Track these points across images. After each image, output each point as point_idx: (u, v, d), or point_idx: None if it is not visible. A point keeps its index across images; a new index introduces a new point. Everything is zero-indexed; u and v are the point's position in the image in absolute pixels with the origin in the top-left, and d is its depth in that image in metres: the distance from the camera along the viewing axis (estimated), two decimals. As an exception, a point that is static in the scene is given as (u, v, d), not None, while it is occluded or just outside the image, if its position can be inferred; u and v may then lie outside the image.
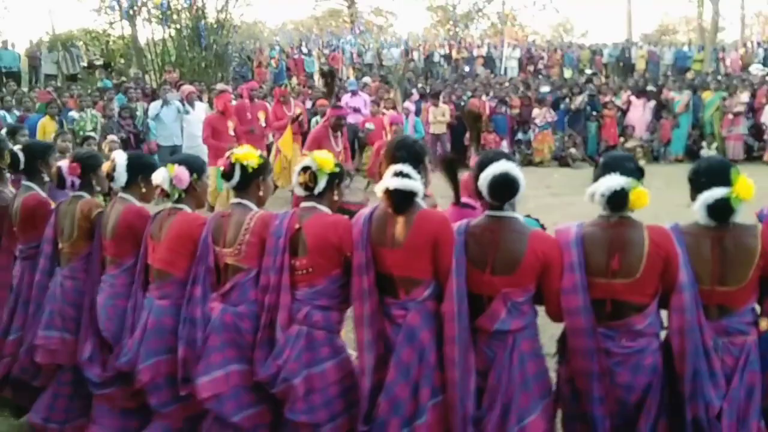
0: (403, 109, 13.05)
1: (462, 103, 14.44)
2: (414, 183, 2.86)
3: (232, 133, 9.08)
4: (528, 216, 4.97)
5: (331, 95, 9.11)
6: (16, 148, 4.12)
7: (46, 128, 10.81)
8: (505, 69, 23.48)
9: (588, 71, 21.20)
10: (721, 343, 2.79)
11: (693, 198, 2.87)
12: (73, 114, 11.50)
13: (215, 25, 19.56)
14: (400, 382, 2.84)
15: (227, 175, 3.24)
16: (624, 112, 14.82)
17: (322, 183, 3.09)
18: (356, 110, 12.70)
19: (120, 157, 3.57)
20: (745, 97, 13.97)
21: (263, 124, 10.14)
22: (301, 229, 3.06)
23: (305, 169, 3.10)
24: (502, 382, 2.80)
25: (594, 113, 14.50)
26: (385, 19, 43.87)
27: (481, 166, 2.85)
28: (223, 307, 3.14)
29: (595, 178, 2.84)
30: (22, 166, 4.07)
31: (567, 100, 14.90)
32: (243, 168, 3.20)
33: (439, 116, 13.67)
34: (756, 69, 19.41)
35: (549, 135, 14.06)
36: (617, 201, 2.73)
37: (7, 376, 3.92)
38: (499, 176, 2.78)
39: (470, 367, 2.81)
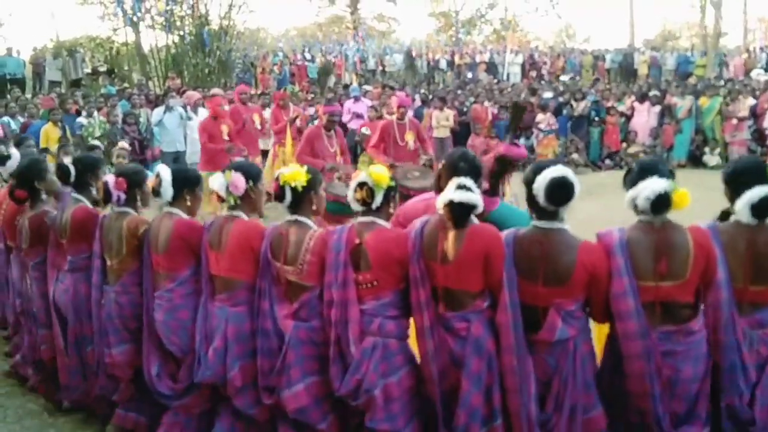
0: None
1: (465, 109, 14.46)
2: (477, 197, 2.89)
3: (226, 137, 9.17)
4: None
5: (324, 92, 9.05)
6: (67, 160, 4.13)
7: (50, 135, 10.83)
8: (508, 75, 23.52)
9: (577, 78, 21.26)
10: (755, 335, 2.92)
11: (731, 199, 2.95)
12: (81, 120, 11.54)
13: (219, 32, 19.66)
14: (474, 392, 2.91)
15: (279, 198, 3.27)
16: (627, 118, 14.81)
17: (379, 198, 3.10)
18: (359, 116, 12.73)
19: (165, 173, 3.59)
20: (749, 102, 13.95)
21: (258, 127, 10.23)
22: (361, 244, 3.09)
23: (362, 185, 3.11)
24: (568, 387, 2.87)
25: (597, 119, 14.50)
26: (388, 25, 43.98)
27: (536, 171, 2.88)
28: (296, 324, 3.20)
29: (632, 184, 2.88)
30: (72, 178, 4.12)
31: (570, 105, 14.90)
32: (293, 189, 3.23)
33: (443, 121, 13.67)
34: (757, 74, 19.39)
35: (554, 139, 14.05)
36: (661, 204, 2.77)
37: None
38: (558, 179, 2.80)
39: (529, 372, 2.88)
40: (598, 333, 3.11)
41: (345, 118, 12.17)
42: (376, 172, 3.10)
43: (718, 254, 2.86)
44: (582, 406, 2.88)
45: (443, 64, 24.99)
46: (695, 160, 13.98)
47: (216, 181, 3.38)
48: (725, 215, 3.09)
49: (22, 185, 4.30)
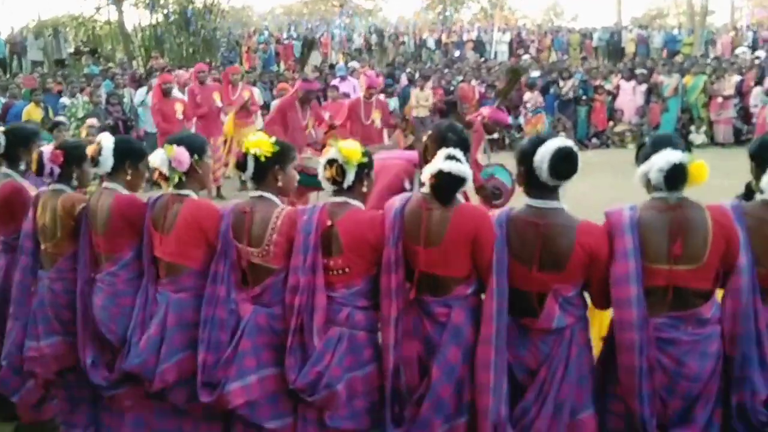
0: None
1: (451, 88, 14.40)
2: (466, 168, 2.67)
3: (180, 116, 8.98)
4: (500, 165, 4.92)
5: (304, 66, 8.94)
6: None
7: (32, 115, 10.71)
8: (495, 53, 23.41)
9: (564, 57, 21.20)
10: None
11: (757, 175, 2.74)
12: (64, 100, 11.40)
13: (203, 10, 19.42)
14: (444, 383, 2.70)
15: (241, 166, 3.01)
16: (614, 97, 14.81)
17: (350, 176, 2.85)
18: (346, 95, 12.63)
19: (107, 141, 3.28)
20: (734, 80, 13.97)
21: (219, 105, 9.94)
22: (333, 226, 2.85)
23: (331, 162, 2.86)
24: (556, 378, 2.64)
25: (584, 98, 14.49)
26: (374, 3, 43.62)
27: (536, 143, 2.64)
28: (255, 309, 2.95)
29: (644, 158, 2.66)
30: (1, 150, 3.79)
31: (557, 84, 14.87)
32: (255, 158, 2.96)
33: (423, 100, 13.61)
34: (742, 52, 19.40)
35: (541, 118, 14.03)
36: (677, 177, 2.53)
37: None
38: (564, 150, 2.57)
39: (504, 369, 2.66)
40: (597, 328, 2.95)
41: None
42: (347, 148, 2.84)
43: (742, 236, 2.58)
44: (571, 404, 2.65)
45: (430, 43, 24.82)
46: (681, 139, 13.99)
47: (157, 157, 3.08)
48: (749, 192, 2.88)
49: None
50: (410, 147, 7.19)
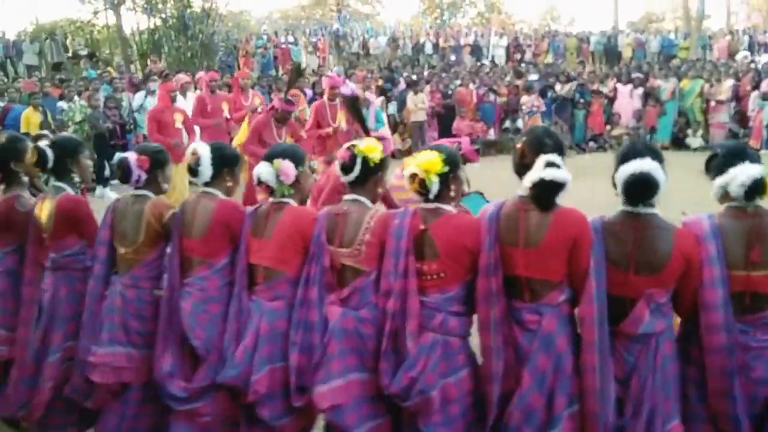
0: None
1: (449, 92, 14.44)
2: (567, 174, 2.62)
3: (179, 125, 8.55)
4: (478, 193, 4.91)
5: (290, 89, 8.87)
6: (43, 144, 3.69)
7: (30, 119, 10.73)
8: (492, 57, 23.47)
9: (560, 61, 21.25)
10: None
11: None
12: (62, 104, 11.42)
13: (201, 14, 19.44)
14: (534, 392, 2.66)
15: (347, 169, 3.02)
16: (611, 100, 14.87)
17: (434, 185, 2.82)
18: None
19: (203, 150, 3.27)
20: (728, 84, 14.03)
21: (227, 116, 9.74)
22: (427, 231, 2.83)
23: (413, 176, 2.85)
24: (647, 388, 2.64)
25: (581, 101, 14.54)
26: (372, 8, 43.72)
27: (624, 158, 2.66)
28: (344, 311, 2.93)
29: (718, 170, 2.72)
30: (50, 164, 3.66)
31: (555, 88, 14.93)
32: (365, 161, 2.99)
33: (419, 103, 13.63)
34: (743, 57, 19.44)
35: (538, 119, 14.08)
36: (758, 190, 2.61)
37: (52, 402, 3.53)
38: (636, 176, 2.59)
39: (611, 374, 2.64)
40: None
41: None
42: (424, 160, 2.81)
43: None
44: (661, 413, 2.64)
45: (428, 47, 24.89)
46: (678, 143, 14.07)
47: (264, 171, 3.10)
48: None
49: None
50: (408, 151, 7.19)
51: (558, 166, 2.63)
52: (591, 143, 14.41)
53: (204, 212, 3.22)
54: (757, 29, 26.28)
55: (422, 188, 2.84)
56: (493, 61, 22.16)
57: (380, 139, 5.26)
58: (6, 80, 16.34)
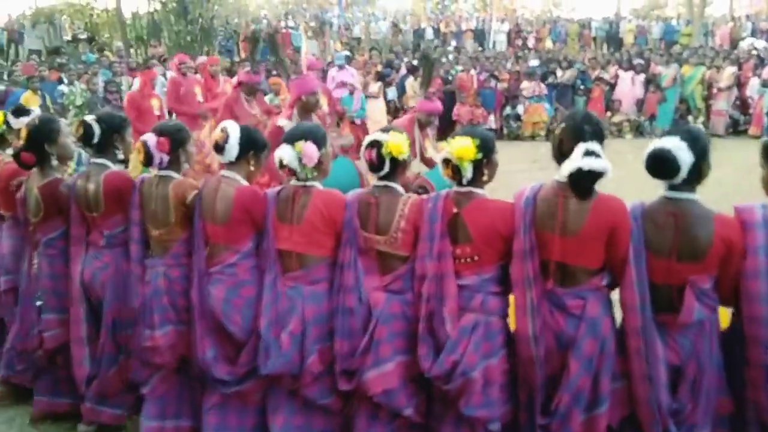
0: (348, 85, 12.65)
1: (450, 78, 14.38)
2: (606, 163, 2.60)
3: (157, 112, 8.47)
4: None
5: (254, 60, 8.69)
6: (90, 119, 3.63)
7: (29, 102, 10.63)
8: (494, 43, 23.38)
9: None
10: None
11: None
12: (63, 88, 11.38)
13: (200, -1, 19.31)
14: (582, 375, 2.70)
15: (376, 168, 3.04)
16: (612, 87, 14.81)
17: (468, 172, 2.82)
18: (344, 84, 12.61)
19: (233, 129, 3.24)
20: (729, 71, 13.97)
21: (200, 100, 9.37)
22: (459, 214, 2.86)
23: (446, 161, 2.86)
24: (705, 371, 2.69)
25: (582, 87, 14.48)
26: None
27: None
28: (388, 296, 2.98)
29: None
30: (96, 139, 3.61)
31: (554, 74, 14.86)
32: (394, 160, 3.00)
33: (418, 88, 13.56)
34: (749, 44, 19.32)
35: (541, 107, 14.02)
36: None
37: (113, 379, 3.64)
38: (651, 154, 2.63)
39: (658, 357, 2.67)
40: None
41: (330, 86, 12.04)
42: (458, 148, 2.80)
43: None
44: (714, 390, 2.73)
45: (429, 33, 24.77)
46: (679, 129, 14.03)
47: (286, 154, 3.06)
48: None
49: (30, 147, 3.70)
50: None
51: (597, 155, 2.60)
52: (591, 130, 14.38)
53: (225, 198, 3.19)
54: (760, 15, 26.12)
55: (456, 174, 2.85)
56: (494, 47, 22.06)
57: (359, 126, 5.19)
58: (7, 64, 16.27)
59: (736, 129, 13.89)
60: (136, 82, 11.69)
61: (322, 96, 7.91)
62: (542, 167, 10.50)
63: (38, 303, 3.79)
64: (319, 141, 3.10)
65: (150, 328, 3.34)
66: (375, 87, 13.29)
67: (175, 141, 3.36)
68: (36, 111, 4.16)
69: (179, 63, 9.69)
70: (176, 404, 3.48)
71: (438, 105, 6.04)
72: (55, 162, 3.83)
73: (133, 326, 3.49)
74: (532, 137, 13.98)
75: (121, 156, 3.75)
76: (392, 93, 14.01)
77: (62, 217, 3.73)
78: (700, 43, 21.39)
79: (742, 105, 14.19)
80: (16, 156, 3.74)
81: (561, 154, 2.74)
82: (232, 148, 3.23)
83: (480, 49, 21.08)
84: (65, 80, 11.74)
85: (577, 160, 2.60)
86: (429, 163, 5.69)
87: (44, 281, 3.75)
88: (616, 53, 18.70)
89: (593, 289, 2.76)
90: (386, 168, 3.01)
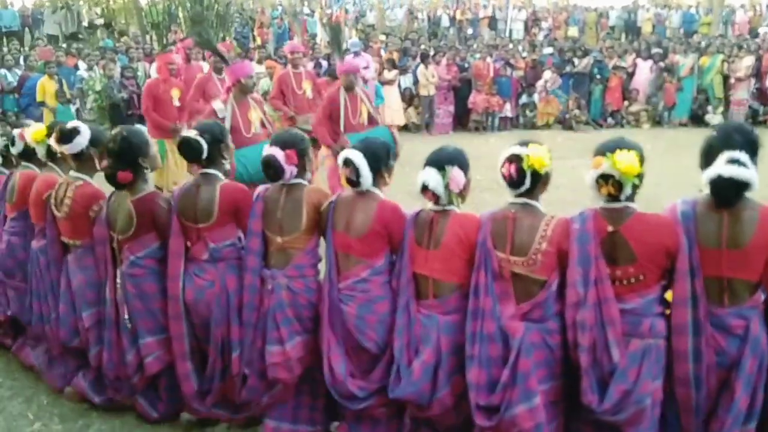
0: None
1: (466, 65, 14.30)
2: (751, 173, 2.50)
3: (177, 103, 7.86)
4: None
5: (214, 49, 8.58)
6: (194, 134, 3.52)
7: (46, 88, 10.77)
8: (510, 31, 23.20)
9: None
10: None
11: None
12: (82, 73, 11.44)
13: (216, -15, 19.28)
14: (743, 396, 2.65)
15: (515, 184, 2.86)
16: (629, 76, 14.67)
17: (628, 189, 2.66)
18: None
19: (357, 158, 3.12)
20: (747, 61, 13.78)
21: (177, 104, 8.47)
22: (617, 232, 2.70)
23: (606, 177, 2.66)
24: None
25: (598, 76, 14.36)
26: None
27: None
28: (527, 326, 2.81)
29: None
30: (205, 154, 3.53)
31: (571, 63, 14.74)
32: (535, 174, 2.84)
33: (430, 77, 13.47)
34: (764, 33, 19.08)
35: (555, 99, 13.95)
36: None
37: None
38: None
39: None
40: None
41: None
42: (625, 163, 2.61)
43: None
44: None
45: (445, 20, 24.63)
46: (697, 119, 13.90)
47: (432, 179, 2.92)
48: None
49: (123, 164, 3.48)
50: (422, 126, 7.27)
51: (743, 164, 2.52)
52: (609, 119, 14.27)
53: (365, 211, 3.15)
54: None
55: (615, 190, 2.67)
56: (510, 36, 21.89)
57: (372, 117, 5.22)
58: (23, 49, 16.35)
59: (755, 119, 13.73)
60: (153, 68, 11.76)
61: (306, 81, 7.94)
62: (559, 156, 10.44)
63: (128, 325, 3.64)
64: (464, 166, 2.99)
65: (279, 343, 3.27)
66: (391, 74, 13.24)
67: (301, 151, 3.33)
68: (83, 128, 3.83)
69: (185, 48, 9.53)
70: (293, 410, 3.48)
71: (353, 62, 6.08)
72: (147, 174, 3.67)
73: (243, 344, 3.42)
74: (548, 126, 13.91)
75: (227, 165, 3.70)
76: (407, 80, 13.94)
77: (155, 233, 3.61)
78: (720, 32, 21.12)
79: (762, 95, 14.02)
80: (110, 177, 3.52)
81: (707, 161, 2.65)
82: (366, 179, 3.14)
83: (496, 37, 20.90)
84: (81, 66, 11.79)
85: (718, 167, 2.52)
86: (371, 121, 5.85)
87: (134, 303, 3.60)
88: (634, 42, 18.51)
89: (754, 306, 2.69)
90: (527, 184, 2.84)
